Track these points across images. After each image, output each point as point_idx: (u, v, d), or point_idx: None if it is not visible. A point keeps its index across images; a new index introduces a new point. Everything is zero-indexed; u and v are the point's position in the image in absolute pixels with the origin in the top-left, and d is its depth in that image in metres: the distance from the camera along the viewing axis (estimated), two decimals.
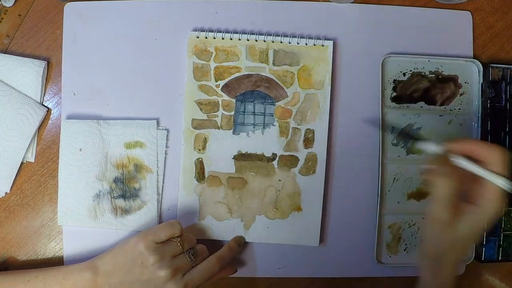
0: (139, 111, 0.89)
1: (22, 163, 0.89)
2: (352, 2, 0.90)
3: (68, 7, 0.89)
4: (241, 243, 0.89)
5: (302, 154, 0.89)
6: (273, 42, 0.88)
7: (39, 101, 0.89)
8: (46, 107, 0.89)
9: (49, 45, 0.90)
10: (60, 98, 0.89)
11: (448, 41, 0.92)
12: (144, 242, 0.80)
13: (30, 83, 0.88)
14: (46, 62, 0.89)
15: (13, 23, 0.89)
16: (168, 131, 0.89)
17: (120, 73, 0.89)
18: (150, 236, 0.80)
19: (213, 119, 0.88)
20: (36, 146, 0.89)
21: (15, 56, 0.88)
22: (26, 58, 0.88)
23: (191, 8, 0.90)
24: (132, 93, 0.89)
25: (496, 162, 0.68)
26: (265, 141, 0.89)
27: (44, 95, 0.90)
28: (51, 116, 0.90)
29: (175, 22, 0.89)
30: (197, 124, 0.88)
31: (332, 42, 0.89)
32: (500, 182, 0.67)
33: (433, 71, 0.92)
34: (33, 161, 0.90)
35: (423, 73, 0.91)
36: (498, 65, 0.90)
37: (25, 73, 0.88)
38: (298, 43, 0.88)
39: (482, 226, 0.70)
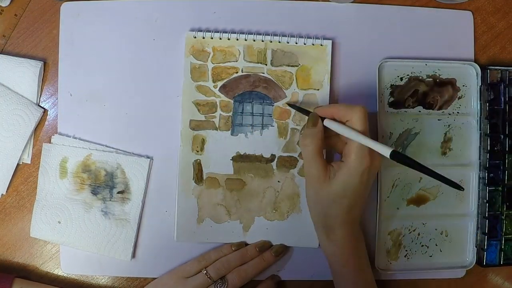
0: (137, 112, 0.88)
1: (18, 164, 0.88)
2: (351, 2, 0.90)
3: (64, 6, 0.88)
4: (277, 253, 0.89)
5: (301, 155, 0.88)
6: (271, 42, 0.87)
7: (35, 102, 0.88)
8: (42, 108, 0.88)
9: (45, 45, 0.89)
10: (57, 99, 0.88)
11: (449, 41, 0.91)
12: (174, 278, 0.86)
13: (26, 84, 0.87)
14: (42, 62, 0.88)
15: (9, 23, 0.88)
16: (151, 159, 0.89)
17: (118, 74, 0.88)
18: (180, 272, 0.87)
19: (211, 120, 0.87)
20: (33, 147, 0.89)
21: (11, 57, 0.87)
22: (22, 59, 0.87)
23: (189, 7, 0.89)
24: (130, 93, 0.88)
25: (356, 120, 0.77)
26: (263, 142, 0.88)
27: (40, 96, 0.89)
28: (47, 117, 0.89)
29: (173, 22, 0.88)
30: (195, 125, 0.87)
31: (331, 41, 0.88)
32: (357, 137, 0.76)
33: (430, 75, 0.91)
34: (29, 162, 0.89)
35: (420, 77, 0.90)
36: (496, 67, 0.90)
37: (21, 73, 0.87)
38: (296, 43, 0.87)
39: (354, 183, 0.77)
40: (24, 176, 0.89)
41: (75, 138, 0.88)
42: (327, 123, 0.80)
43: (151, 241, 0.89)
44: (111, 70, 0.88)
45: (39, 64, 0.87)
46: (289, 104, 0.87)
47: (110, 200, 0.88)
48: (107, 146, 0.88)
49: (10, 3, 0.88)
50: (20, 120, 0.87)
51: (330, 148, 0.86)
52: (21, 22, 0.89)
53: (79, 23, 0.88)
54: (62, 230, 0.87)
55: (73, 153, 0.88)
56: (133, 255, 0.89)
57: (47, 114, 0.89)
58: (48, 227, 0.87)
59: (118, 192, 0.88)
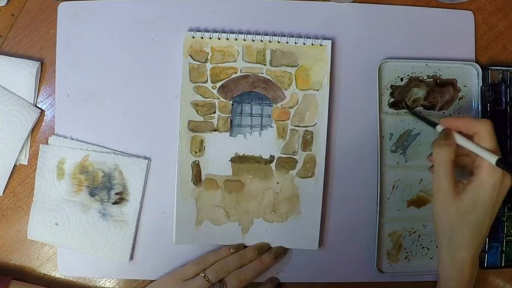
0: (135, 113, 0.88)
1: (15, 165, 0.88)
2: (351, 1, 0.89)
3: (62, 6, 0.88)
4: (277, 255, 0.88)
5: (300, 156, 0.88)
6: (270, 42, 0.87)
7: (32, 103, 0.87)
8: (39, 108, 0.88)
9: (42, 45, 0.89)
10: (54, 100, 0.88)
11: (450, 41, 0.91)
12: (172, 281, 0.86)
13: (24, 84, 0.87)
14: (39, 62, 0.87)
15: (6, 23, 0.88)
16: (150, 160, 0.88)
17: (115, 74, 0.88)
18: (178, 275, 0.86)
19: (210, 121, 0.87)
20: (30, 148, 0.88)
21: (8, 57, 0.87)
22: (19, 59, 0.87)
23: (188, 7, 0.88)
24: (127, 94, 0.88)
25: (483, 133, 0.74)
26: (262, 143, 0.87)
27: (37, 96, 0.88)
28: (44, 118, 0.89)
29: (171, 22, 0.88)
30: (193, 126, 0.87)
31: (330, 41, 0.87)
32: (485, 154, 0.73)
33: (431, 75, 0.90)
34: (26, 163, 0.88)
35: (420, 78, 0.90)
36: (497, 68, 0.89)
37: (18, 74, 0.86)
38: (295, 43, 0.87)
39: (485, 197, 0.73)
40: (21, 177, 0.88)
41: (73, 139, 0.88)
42: (457, 137, 0.76)
43: (150, 243, 0.89)
44: (108, 71, 0.88)
45: (36, 64, 0.87)
46: (413, 112, 0.88)
47: (108, 202, 0.87)
48: (104, 147, 0.88)
49: (7, 3, 0.87)
50: (17, 121, 0.86)
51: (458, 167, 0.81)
52: (18, 22, 0.88)
53: (76, 23, 0.88)
54: (59, 232, 0.86)
55: (70, 154, 0.87)
56: (131, 257, 0.88)
57: (44, 115, 0.89)
58: (45, 229, 0.86)
59: (116, 194, 0.87)
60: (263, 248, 0.87)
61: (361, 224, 0.89)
